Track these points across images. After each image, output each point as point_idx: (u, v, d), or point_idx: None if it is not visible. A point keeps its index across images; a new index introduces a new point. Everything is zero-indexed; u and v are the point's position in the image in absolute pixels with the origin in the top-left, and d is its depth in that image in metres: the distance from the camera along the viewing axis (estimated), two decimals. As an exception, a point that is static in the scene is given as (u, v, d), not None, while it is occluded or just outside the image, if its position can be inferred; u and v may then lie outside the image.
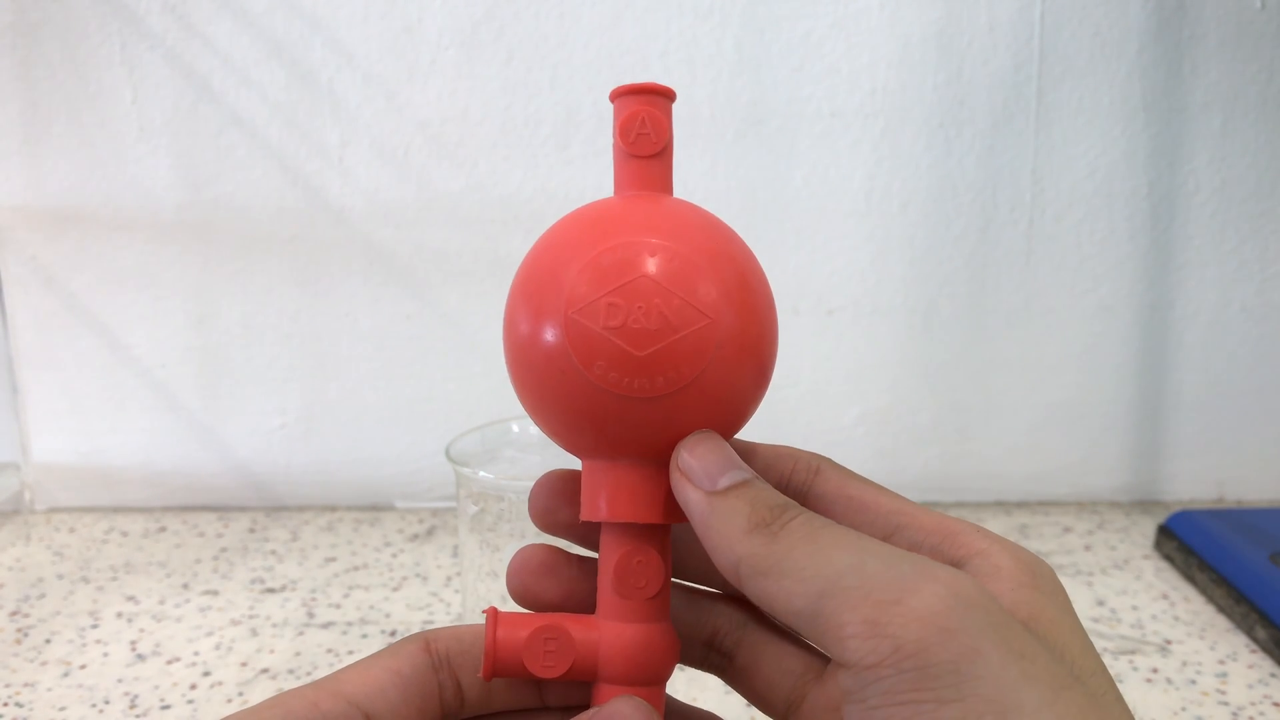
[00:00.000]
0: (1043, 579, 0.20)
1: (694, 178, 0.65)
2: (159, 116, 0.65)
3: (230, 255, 0.67)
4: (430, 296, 0.68)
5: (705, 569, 0.26)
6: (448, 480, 0.71)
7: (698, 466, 0.22)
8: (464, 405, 0.70)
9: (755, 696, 0.26)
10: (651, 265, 0.21)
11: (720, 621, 0.26)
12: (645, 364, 0.21)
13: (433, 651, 0.23)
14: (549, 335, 0.22)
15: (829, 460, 0.24)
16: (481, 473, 0.40)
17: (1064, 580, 0.58)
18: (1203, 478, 0.71)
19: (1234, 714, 0.44)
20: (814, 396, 0.69)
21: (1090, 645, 0.19)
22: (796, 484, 0.24)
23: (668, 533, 0.24)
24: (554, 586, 0.25)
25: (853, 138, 0.65)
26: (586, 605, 0.25)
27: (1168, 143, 0.65)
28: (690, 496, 0.22)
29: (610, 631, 0.23)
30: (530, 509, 0.25)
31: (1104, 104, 0.64)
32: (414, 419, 0.71)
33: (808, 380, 0.69)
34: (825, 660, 0.25)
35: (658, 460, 0.23)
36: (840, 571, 0.18)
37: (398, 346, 0.68)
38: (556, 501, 0.25)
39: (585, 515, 0.24)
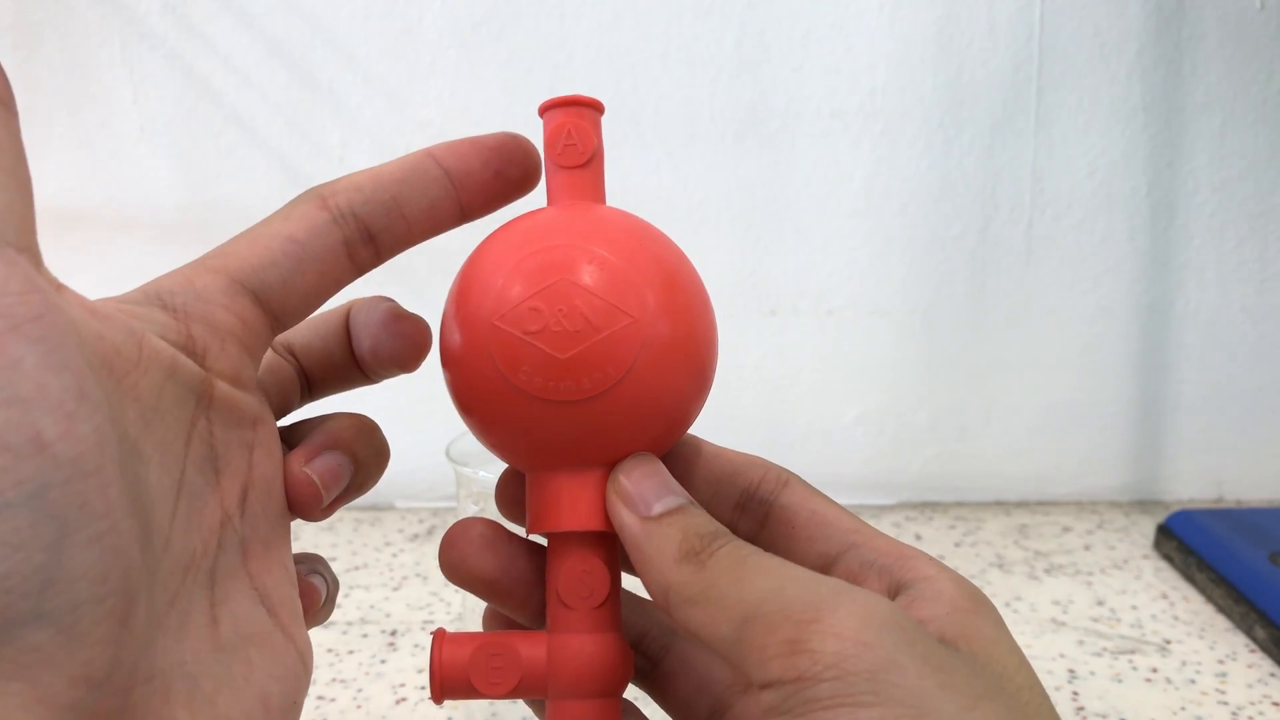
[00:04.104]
0: (982, 604, 0.20)
1: (694, 178, 0.65)
2: (159, 116, 0.65)
3: (230, 255, 0.67)
4: (430, 296, 0.67)
5: None
6: (448, 480, 0.71)
7: (633, 491, 0.22)
8: (464, 405, 0.70)
9: (675, 703, 0.25)
10: (572, 268, 0.21)
11: (649, 624, 0.26)
12: (569, 366, 0.21)
13: (331, 207, 0.22)
14: (475, 345, 0.22)
15: (799, 477, 0.24)
16: (482, 473, 0.40)
17: (1064, 580, 0.58)
18: (1203, 478, 0.71)
19: (1234, 714, 0.44)
20: (814, 396, 0.69)
21: (1026, 664, 0.19)
22: (764, 493, 0.24)
23: (615, 542, 0.23)
24: (490, 560, 0.24)
25: (853, 138, 0.65)
26: (522, 584, 0.24)
27: (1168, 143, 0.65)
28: (625, 521, 0.21)
29: (557, 644, 0.23)
30: (498, 502, 0.25)
31: (1104, 104, 0.64)
32: (414, 419, 0.71)
33: (808, 380, 0.69)
34: None
35: (595, 467, 0.22)
36: (761, 597, 0.19)
37: (398, 346, 0.68)
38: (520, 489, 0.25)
39: (530, 529, 0.23)
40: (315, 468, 0.22)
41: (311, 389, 0.25)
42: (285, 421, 0.25)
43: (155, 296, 0.20)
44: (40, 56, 0.64)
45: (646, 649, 0.26)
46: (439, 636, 0.23)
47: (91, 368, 0.16)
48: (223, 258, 0.21)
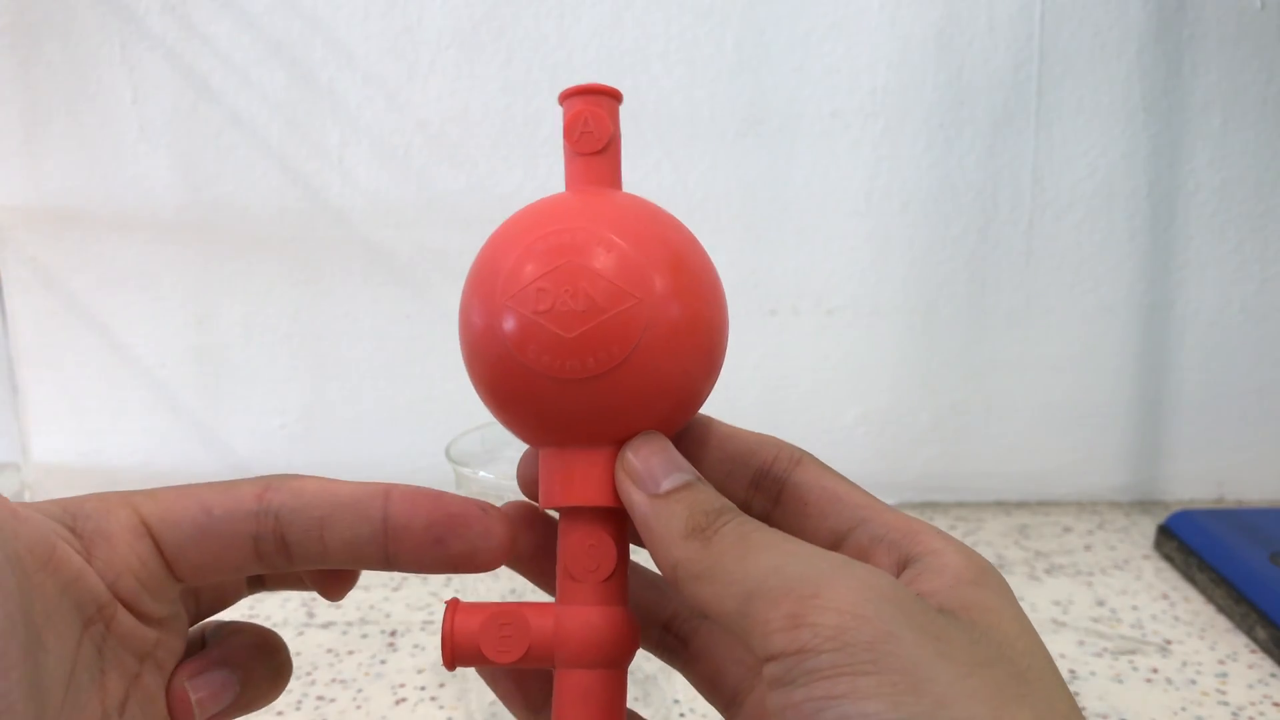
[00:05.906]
0: (987, 574, 0.21)
1: (694, 177, 0.65)
2: (159, 116, 0.65)
3: (230, 255, 0.67)
4: (430, 296, 0.68)
5: None
6: (448, 480, 0.71)
7: (641, 468, 0.22)
8: (464, 405, 0.69)
9: (704, 683, 0.26)
10: (580, 251, 0.22)
11: (679, 606, 0.27)
12: (575, 345, 0.22)
13: (264, 499, 0.22)
14: (488, 324, 0.23)
15: (812, 455, 0.25)
16: (481, 473, 0.40)
17: (1064, 580, 0.58)
18: (1203, 478, 0.71)
19: (1234, 714, 0.44)
20: (814, 396, 0.69)
21: (1030, 632, 0.20)
22: (777, 471, 0.24)
23: (623, 517, 0.24)
24: (529, 539, 0.25)
25: (853, 138, 0.65)
26: (537, 553, 0.25)
27: (1168, 143, 0.65)
28: (633, 498, 0.22)
29: (565, 615, 0.23)
30: (519, 480, 0.26)
31: (1104, 104, 0.64)
32: (414, 419, 0.71)
33: (808, 380, 0.69)
34: None
35: (604, 444, 0.23)
36: (765, 573, 0.19)
37: (398, 346, 0.68)
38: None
39: (542, 503, 0.24)
40: (197, 685, 0.23)
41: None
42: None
43: (70, 516, 0.21)
44: (40, 56, 0.64)
45: (677, 629, 0.27)
46: (452, 605, 0.24)
47: (8, 560, 0.18)
48: (149, 497, 0.22)
